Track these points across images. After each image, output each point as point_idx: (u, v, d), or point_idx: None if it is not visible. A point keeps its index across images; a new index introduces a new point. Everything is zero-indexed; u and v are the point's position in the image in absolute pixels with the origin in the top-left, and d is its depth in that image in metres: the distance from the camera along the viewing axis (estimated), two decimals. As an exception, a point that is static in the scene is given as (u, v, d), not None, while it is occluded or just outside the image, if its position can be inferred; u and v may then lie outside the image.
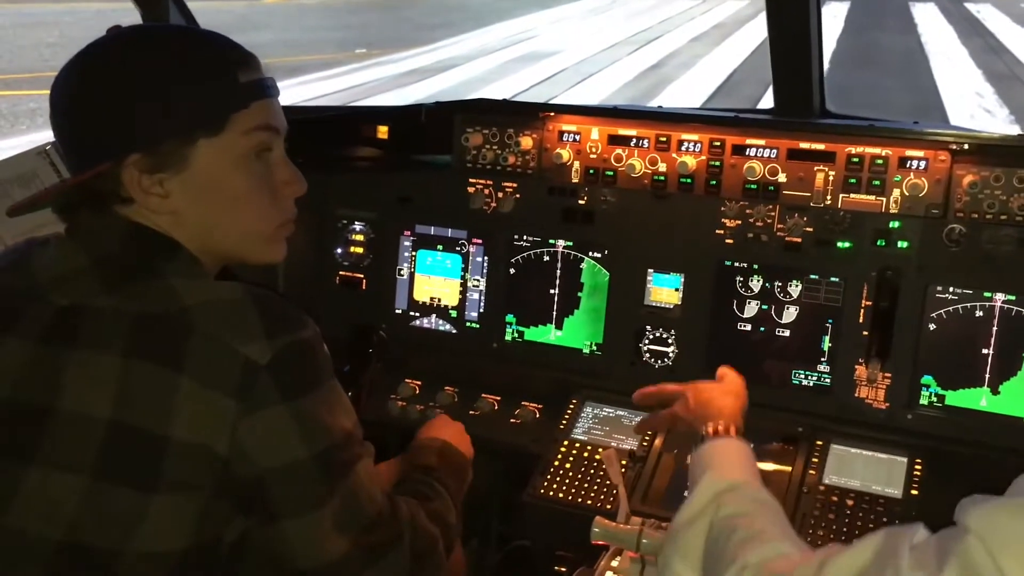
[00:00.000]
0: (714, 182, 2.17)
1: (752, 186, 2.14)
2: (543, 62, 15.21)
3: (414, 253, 2.50)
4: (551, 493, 2.01)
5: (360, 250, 2.55)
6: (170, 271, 1.25)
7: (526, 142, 2.33)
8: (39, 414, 1.20)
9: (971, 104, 11.84)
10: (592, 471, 2.05)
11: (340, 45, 16.08)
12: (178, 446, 1.17)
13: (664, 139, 2.21)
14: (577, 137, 2.29)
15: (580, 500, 1.98)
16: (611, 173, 2.25)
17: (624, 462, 2.02)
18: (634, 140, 2.24)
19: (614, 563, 1.48)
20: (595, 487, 2.01)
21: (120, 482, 1.17)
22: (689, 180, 2.19)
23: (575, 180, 2.29)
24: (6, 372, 1.23)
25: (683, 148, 2.19)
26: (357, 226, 2.55)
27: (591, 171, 2.27)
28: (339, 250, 2.57)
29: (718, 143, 2.16)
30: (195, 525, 1.19)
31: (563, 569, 1.84)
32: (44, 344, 1.23)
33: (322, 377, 1.26)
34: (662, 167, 2.21)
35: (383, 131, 2.39)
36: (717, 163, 2.17)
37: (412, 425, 1.96)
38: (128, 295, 1.22)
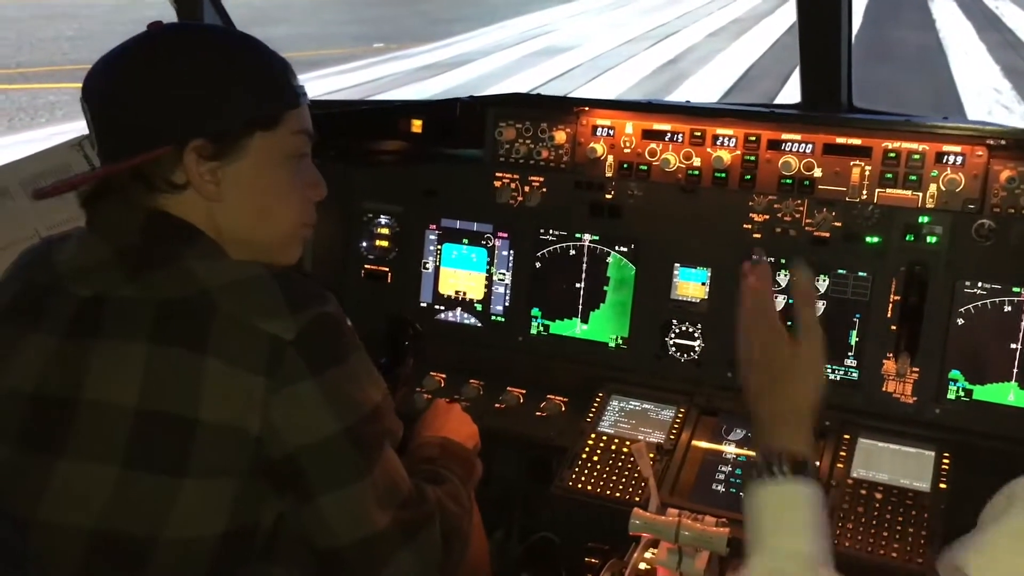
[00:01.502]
0: (748, 177, 2.16)
1: (787, 181, 2.13)
2: (560, 57, 15.19)
3: (439, 247, 2.50)
4: (579, 485, 2.02)
5: (386, 243, 2.57)
6: (189, 255, 1.26)
7: (560, 136, 2.33)
8: (66, 406, 1.21)
9: (989, 100, 11.75)
10: (620, 464, 2.05)
11: (357, 39, 16.11)
12: (208, 428, 1.18)
13: (699, 134, 2.21)
14: (611, 132, 2.29)
15: (608, 492, 1.99)
16: (645, 168, 2.26)
17: (652, 455, 2.03)
18: (668, 135, 2.24)
19: (647, 555, 1.49)
20: (623, 480, 2.01)
21: (151, 469, 1.19)
22: (723, 175, 2.19)
23: (608, 175, 2.30)
24: (31, 367, 1.25)
25: (718, 143, 2.19)
26: (383, 219, 2.56)
27: (625, 165, 2.27)
28: (364, 243, 2.58)
29: (753, 138, 2.16)
30: (230, 509, 1.20)
31: (594, 561, 1.84)
32: (68, 337, 1.24)
33: (349, 350, 1.27)
34: (696, 161, 2.21)
35: (417, 125, 2.40)
36: (752, 158, 2.16)
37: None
38: (149, 282, 1.24)
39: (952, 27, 17.35)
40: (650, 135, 2.25)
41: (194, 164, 1.27)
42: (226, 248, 1.31)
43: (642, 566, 1.50)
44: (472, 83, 13.23)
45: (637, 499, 1.94)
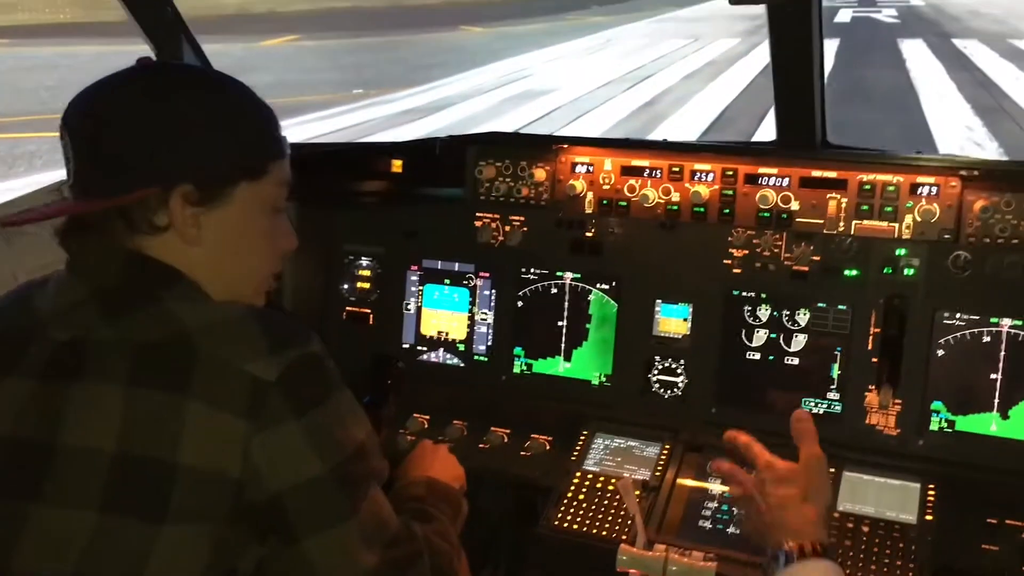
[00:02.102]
0: (727, 211, 2.20)
1: (765, 214, 2.17)
2: (538, 100, 15.36)
3: (421, 287, 2.51)
4: (565, 524, 2.01)
5: (367, 285, 2.57)
6: (168, 297, 1.25)
7: (539, 174, 2.36)
8: (41, 451, 1.19)
9: (961, 137, 11.95)
10: (606, 502, 2.04)
11: (337, 86, 16.23)
12: (188, 473, 1.16)
13: (677, 169, 2.24)
14: (590, 168, 2.32)
15: (595, 531, 1.98)
16: (624, 204, 2.28)
17: (638, 492, 2.02)
18: (647, 171, 2.27)
19: (637, 591, 1.48)
20: (609, 518, 2.00)
21: (128, 515, 1.17)
22: (702, 209, 2.22)
23: (589, 211, 2.32)
24: (6, 411, 1.23)
25: (696, 178, 2.23)
26: (364, 261, 2.57)
27: (604, 202, 2.30)
28: (346, 285, 2.58)
29: (731, 172, 2.20)
30: (209, 556, 1.18)
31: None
32: (44, 380, 1.23)
33: (332, 390, 1.26)
34: (675, 196, 2.24)
35: (397, 165, 2.43)
36: (730, 192, 2.20)
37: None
38: (128, 325, 1.23)
39: (922, 66, 17.71)
40: (629, 171, 2.28)
41: (179, 208, 1.26)
42: (208, 289, 1.30)
43: (629, 603, 1.49)
44: (452, 127, 13.34)
45: (624, 537, 1.93)
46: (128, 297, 1.25)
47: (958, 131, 12.34)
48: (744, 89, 15.67)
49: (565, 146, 2.35)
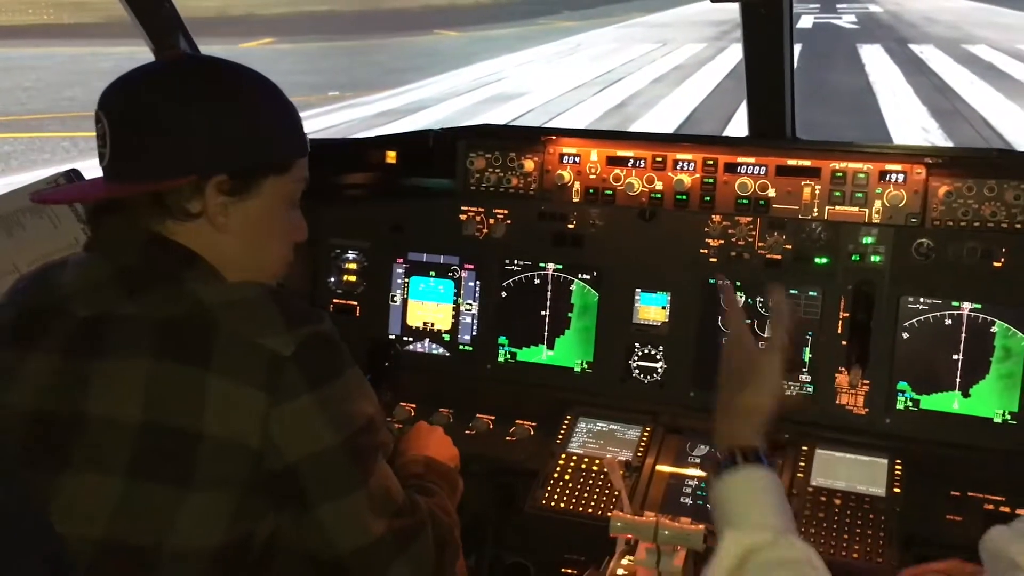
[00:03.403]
0: (708, 198, 2.25)
1: (744, 201, 2.22)
2: (512, 103, 15.41)
3: (407, 280, 2.53)
4: (552, 503, 2.04)
5: (353, 278, 2.58)
6: (188, 277, 1.28)
7: (528, 165, 2.39)
8: (69, 422, 1.22)
9: (918, 139, 12.16)
10: (591, 482, 2.08)
11: (314, 88, 16.16)
12: (212, 442, 1.19)
13: (660, 159, 2.29)
14: (577, 159, 2.36)
15: (582, 509, 2.02)
16: (610, 192, 2.33)
17: (622, 471, 2.06)
18: (632, 161, 2.32)
19: (624, 561, 1.52)
20: (595, 496, 2.04)
21: (156, 480, 1.19)
22: (684, 197, 2.27)
23: (576, 200, 2.36)
24: (32, 386, 1.25)
25: (678, 167, 2.28)
26: (350, 255, 2.58)
27: (591, 191, 2.34)
28: (332, 278, 2.59)
29: (711, 162, 2.25)
30: (229, 521, 1.21)
31: (572, 571, 1.86)
32: (68, 355, 1.25)
33: (344, 365, 1.30)
34: (658, 185, 2.29)
35: (392, 156, 2.45)
36: (711, 180, 2.25)
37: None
38: (151, 301, 1.26)
39: (881, 70, 17.99)
40: (614, 161, 2.33)
41: (213, 197, 1.29)
42: (227, 274, 1.33)
43: (620, 572, 1.53)
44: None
45: (609, 514, 1.97)
46: (149, 276, 1.28)
47: (915, 132, 12.57)
48: (711, 92, 15.83)
49: (553, 137, 2.38)
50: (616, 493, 2.00)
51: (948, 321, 2.09)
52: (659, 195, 2.29)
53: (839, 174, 2.17)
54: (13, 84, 16.16)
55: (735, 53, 20.12)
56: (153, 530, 1.19)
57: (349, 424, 1.27)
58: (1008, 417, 2.06)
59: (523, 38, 24.38)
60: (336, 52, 19.49)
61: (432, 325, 2.51)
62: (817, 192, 2.18)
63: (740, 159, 2.23)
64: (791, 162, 2.20)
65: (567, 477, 2.10)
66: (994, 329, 2.06)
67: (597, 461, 2.12)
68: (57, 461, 1.21)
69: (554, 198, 2.37)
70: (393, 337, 2.52)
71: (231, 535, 1.22)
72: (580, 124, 13.56)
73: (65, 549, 1.12)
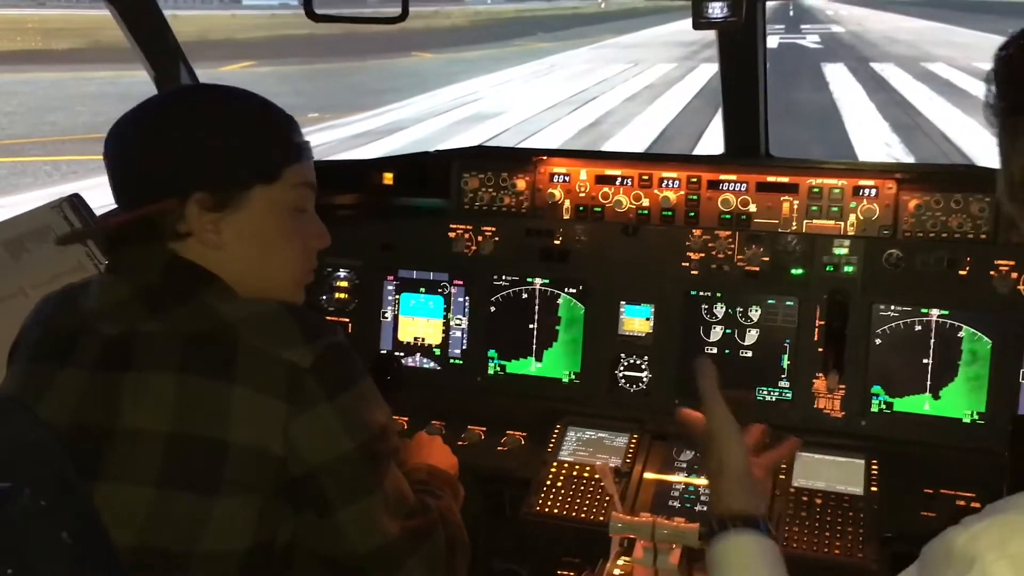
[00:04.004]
0: (692, 214, 2.31)
1: (727, 216, 2.29)
2: (488, 122, 15.50)
3: (398, 296, 2.55)
4: (547, 509, 2.08)
5: (345, 296, 2.61)
6: (206, 294, 1.31)
7: (520, 184, 2.44)
8: (102, 435, 1.25)
9: (880, 153, 12.38)
10: (582, 488, 2.12)
11: (293, 110, 15.81)
12: (237, 449, 1.23)
13: (646, 177, 2.35)
14: (567, 178, 2.42)
15: (575, 514, 2.05)
16: (599, 209, 2.38)
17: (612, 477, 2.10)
18: (619, 179, 2.37)
19: (620, 561, 1.56)
20: (587, 502, 2.08)
21: (185, 489, 1.22)
22: (670, 213, 2.33)
23: (566, 217, 2.41)
24: (65, 400, 1.28)
25: (663, 184, 2.34)
26: (342, 272, 2.61)
27: (581, 208, 2.39)
28: (324, 296, 2.62)
29: (695, 179, 2.31)
30: (255, 525, 1.24)
31: (569, 574, 1.89)
32: (99, 371, 1.28)
33: (358, 376, 1.34)
34: (645, 202, 2.35)
35: (389, 177, 2.49)
36: (695, 196, 2.31)
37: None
38: (174, 318, 1.29)
39: (844, 88, 18.31)
40: (603, 180, 2.38)
41: (196, 215, 1.32)
42: (240, 290, 1.35)
43: (616, 572, 1.56)
44: (404, 148, 13.35)
45: (602, 518, 2.01)
46: (169, 295, 1.31)
47: (878, 147, 12.80)
48: (681, 110, 16.03)
49: (544, 158, 2.43)
50: (608, 498, 2.04)
51: (918, 327, 2.16)
52: (646, 211, 2.35)
53: (816, 189, 2.24)
54: (-4, 109, 16.03)
55: (704, 73, 20.40)
56: (184, 536, 1.22)
57: (364, 430, 1.31)
58: (976, 417, 2.13)
59: (499, 59, 24.55)
60: (315, 74, 19.52)
61: (423, 340, 2.53)
62: (795, 207, 2.25)
63: (722, 176, 2.30)
64: (770, 179, 2.26)
65: (559, 484, 2.14)
66: (961, 334, 2.13)
67: (588, 468, 2.16)
68: (91, 472, 1.23)
69: (546, 215, 2.42)
70: (382, 353, 2.54)
71: (257, 539, 1.25)
72: (556, 142, 13.66)
73: (118, 558, 1.14)
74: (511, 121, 15.61)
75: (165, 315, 1.29)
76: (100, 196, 2.02)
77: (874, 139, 13.41)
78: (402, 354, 2.53)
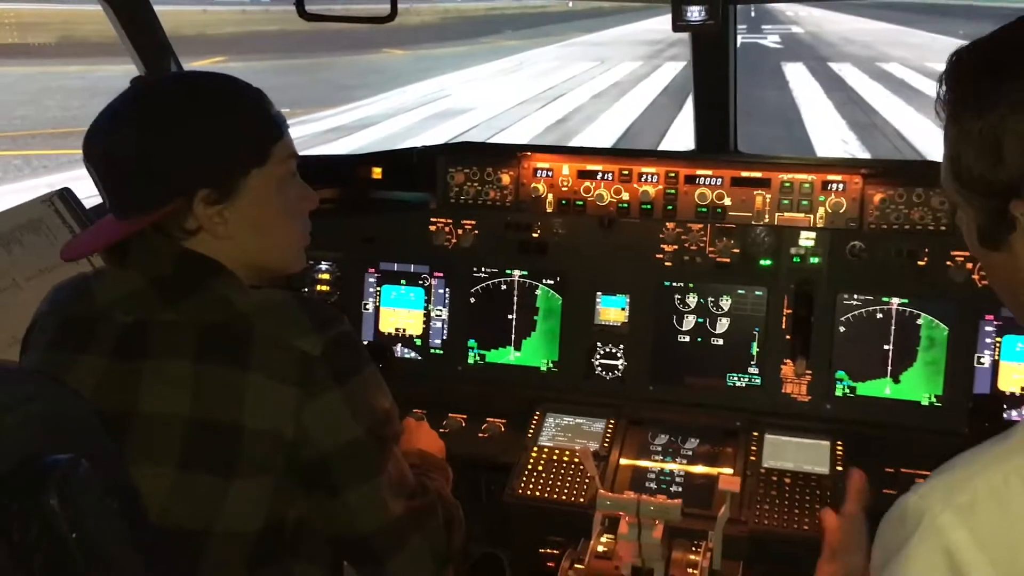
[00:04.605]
0: (671, 207, 2.36)
1: (703, 209, 2.34)
2: (458, 118, 15.47)
3: (379, 288, 2.57)
4: (528, 492, 2.11)
5: (327, 288, 2.62)
6: (217, 285, 1.33)
7: (505, 178, 2.47)
8: (122, 419, 1.26)
9: (838, 150, 12.57)
10: (563, 471, 2.16)
11: (264, 106, 15.97)
12: (252, 434, 1.25)
13: (626, 172, 2.39)
14: (550, 173, 2.45)
15: (556, 496, 2.09)
16: (581, 203, 2.42)
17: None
18: (600, 174, 2.41)
19: (603, 539, 1.60)
20: (567, 485, 2.12)
21: (203, 470, 1.25)
22: (649, 206, 2.38)
23: (549, 210, 2.45)
24: (84, 386, 1.29)
25: (643, 179, 2.38)
26: (323, 265, 2.61)
27: (563, 202, 2.43)
28: (306, 289, 2.62)
29: (673, 174, 2.36)
30: (268, 505, 1.27)
31: (554, 552, 1.93)
32: (116, 358, 1.30)
33: (364, 362, 1.37)
34: (625, 196, 2.39)
35: (377, 172, 2.50)
36: (673, 191, 2.36)
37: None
38: (187, 308, 1.31)
39: (803, 87, 18.56)
40: (584, 175, 2.42)
41: (203, 211, 1.33)
42: (244, 273, 1.38)
43: (600, 549, 1.61)
44: (375, 144, 13.31)
45: (582, 500, 2.06)
46: (181, 285, 1.32)
47: (836, 144, 13.00)
48: (647, 107, 16.14)
49: (528, 153, 2.46)
50: (588, 480, 2.08)
51: (879, 315, 2.23)
52: (626, 205, 2.39)
53: (787, 184, 2.30)
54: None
55: (669, 70, 20.54)
56: (203, 516, 1.24)
57: (371, 415, 1.34)
58: (934, 400, 2.20)
59: (468, 56, 24.48)
60: (287, 70, 19.30)
61: (404, 331, 2.55)
62: (768, 200, 2.31)
63: (698, 172, 2.35)
64: (744, 174, 2.32)
65: (540, 468, 2.18)
66: (920, 321, 2.21)
67: (568, 452, 2.20)
68: None
69: (529, 209, 2.45)
70: (365, 343, 2.55)
71: (270, 519, 1.28)
72: (525, 138, 13.67)
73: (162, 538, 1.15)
74: (480, 117, 15.59)
75: (179, 305, 1.31)
76: (74, 189, 2.02)
77: (832, 136, 13.62)
78: (395, 344, 2.54)
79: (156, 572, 0.82)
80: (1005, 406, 2.16)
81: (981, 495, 0.92)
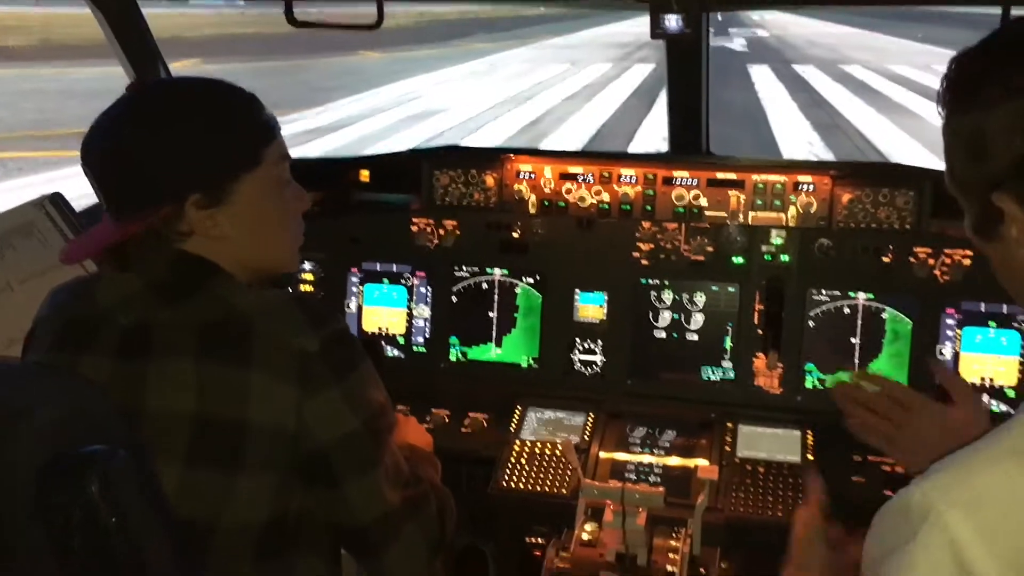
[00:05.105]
0: (649, 207, 2.40)
1: (680, 209, 2.39)
2: (432, 119, 15.46)
3: (361, 287, 2.58)
4: (512, 485, 2.14)
5: (310, 288, 2.62)
6: (214, 285, 1.34)
7: (489, 180, 2.50)
8: (130, 417, 1.25)
9: (803, 150, 12.75)
10: (545, 464, 2.19)
11: (240, 107, 15.81)
12: (255, 429, 1.27)
13: (607, 174, 2.43)
14: (533, 175, 2.48)
15: (539, 488, 2.12)
16: (563, 204, 2.45)
17: (572, 453, 2.17)
18: (581, 176, 2.45)
19: (587, 527, 1.63)
20: (549, 477, 2.15)
21: (210, 465, 1.26)
22: (629, 207, 2.42)
23: (532, 211, 2.48)
24: None
25: (622, 180, 2.42)
26: (307, 265, 2.61)
27: (546, 203, 2.46)
28: (290, 288, 2.62)
29: (651, 176, 2.41)
30: (272, 498, 1.29)
31: (540, 541, 1.96)
32: (120, 358, 1.31)
33: (360, 358, 1.39)
34: (605, 197, 2.43)
35: (365, 175, 2.51)
36: (651, 192, 2.40)
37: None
38: (186, 308, 1.32)
39: (768, 89, 18.77)
40: (566, 176, 2.46)
41: (194, 215, 1.35)
42: (240, 273, 1.39)
43: (585, 537, 1.64)
44: (351, 144, 13.27)
45: (564, 491, 2.09)
46: (178, 286, 1.34)
47: (801, 145, 13.18)
48: (618, 108, 16.23)
49: (511, 156, 2.49)
50: (570, 472, 2.12)
51: (847, 310, 2.29)
52: (607, 205, 2.43)
53: (760, 185, 2.35)
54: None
55: (639, 72, 20.68)
56: (210, 509, 1.26)
57: (367, 408, 1.36)
58: (899, 391, 2.26)
59: (441, 58, 24.44)
60: (263, 72, 19.12)
61: (387, 329, 2.56)
62: (742, 200, 2.36)
63: (675, 173, 2.39)
64: (720, 175, 2.37)
65: (523, 461, 2.21)
66: (885, 315, 2.27)
67: (549, 445, 2.23)
68: None
69: (513, 210, 2.48)
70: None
71: (274, 511, 1.29)
72: (498, 139, 13.71)
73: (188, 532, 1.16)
74: (454, 119, 15.59)
75: (177, 305, 1.32)
76: (50, 191, 2.02)
77: (797, 137, 13.80)
78: (384, 342, 2.55)
79: (182, 560, 0.84)
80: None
81: (985, 492, 0.93)
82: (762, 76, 20.68)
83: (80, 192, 2.47)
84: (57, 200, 1.98)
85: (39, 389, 0.75)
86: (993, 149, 1.00)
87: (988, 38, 1.07)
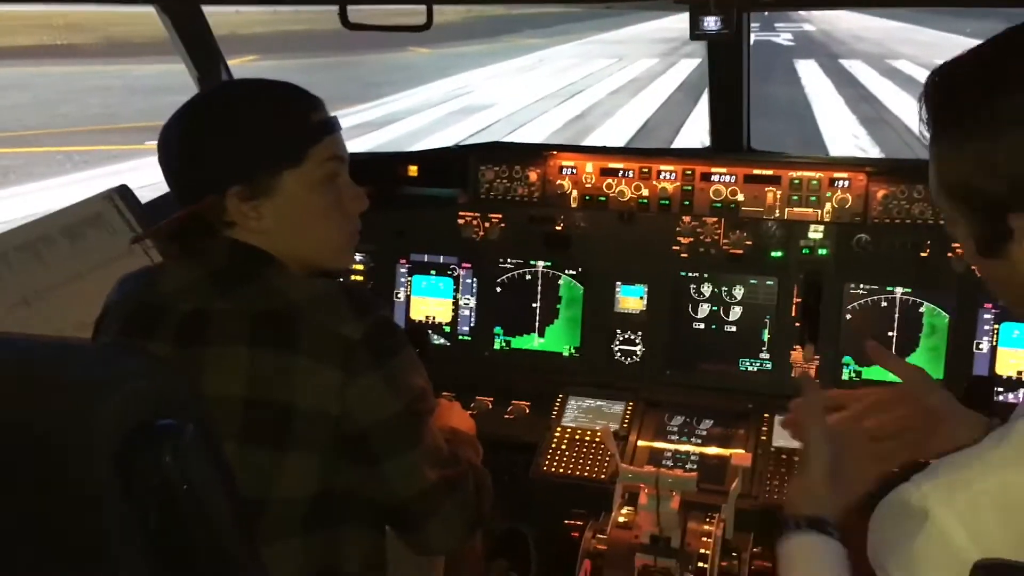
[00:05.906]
0: (687, 203, 2.41)
1: (717, 204, 2.39)
2: (480, 114, 15.49)
3: (410, 278, 2.64)
4: (553, 469, 2.18)
5: (361, 278, 2.69)
6: (268, 275, 1.40)
7: (532, 176, 2.53)
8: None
9: (849, 145, 12.49)
10: (584, 450, 2.23)
11: (294, 102, 16.05)
12: (302, 412, 1.33)
13: (646, 170, 2.44)
14: (574, 170, 2.50)
15: (579, 473, 2.16)
16: (603, 199, 2.48)
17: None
18: (621, 171, 2.47)
19: (624, 510, 1.67)
20: (589, 462, 2.19)
21: (261, 444, 1.33)
22: (667, 202, 2.43)
23: (574, 205, 2.50)
24: None
25: (661, 176, 2.44)
26: (357, 256, 2.68)
27: (587, 197, 2.49)
28: (341, 279, 2.69)
29: (689, 172, 2.41)
30: (319, 475, 1.35)
31: (578, 523, 2.00)
32: (178, 343, 1.38)
33: (401, 345, 1.43)
34: (644, 192, 2.45)
35: (413, 170, 2.57)
36: (689, 187, 2.41)
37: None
38: (241, 297, 1.38)
39: (815, 83, 18.39)
40: (607, 172, 2.48)
41: (235, 206, 1.40)
42: (290, 264, 1.45)
43: (621, 519, 1.67)
44: (400, 139, 13.36)
45: (603, 476, 2.12)
46: (235, 275, 1.40)
47: (847, 139, 12.90)
48: (663, 103, 16.07)
49: (554, 152, 2.52)
50: (609, 457, 2.15)
51: (884, 304, 2.27)
52: (645, 200, 2.44)
53: (796, 181, 2.34)
54: (12, 102, 15.87)
55: (685, 67, 20.43)
56: (262, 484, 1.32)
57: (408, 393, 1.41)
58: (935, 384, 2.24)
59: (490, 54, 24.43)
60: (316, 68, 19.38)
61: (434, 318, 2.62)
62: (778, 196, 2.35)
63: (713, 169, 2.40)
64: (756, 171, 2.37)
65: (564, 447, 2.25)
66: (922, 309, 2.25)
67: (589, 432, 2.27)
68: None
69: (554, 204, 2.51)
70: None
71: (320, 487, 1.35)
72: (544, 133, 13.69)
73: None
74: (501, 113, 15.60)
75: (233, 294, 1.38)
76: (114, 183, 2.13)
77: (843, 132, 13.51)
78: (431, 331, 2.60)
79: (243, 528, 0.90)
80: (1001, 389, 2.19)
81: (981, 499, 0.93)
82: (808, 71, 20.25)
83: (143, 183, 2.57)
84: (124, 192, 2.06)
85: (123, 365, 0.81)
86: (1006, 170, 0.98)
87: (985, 48, 1.03)
